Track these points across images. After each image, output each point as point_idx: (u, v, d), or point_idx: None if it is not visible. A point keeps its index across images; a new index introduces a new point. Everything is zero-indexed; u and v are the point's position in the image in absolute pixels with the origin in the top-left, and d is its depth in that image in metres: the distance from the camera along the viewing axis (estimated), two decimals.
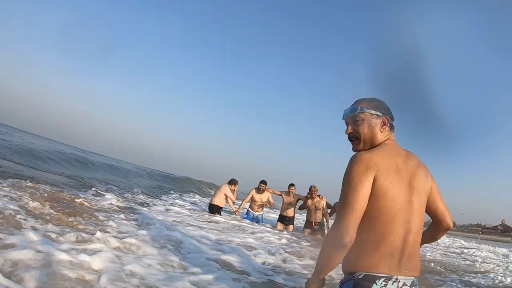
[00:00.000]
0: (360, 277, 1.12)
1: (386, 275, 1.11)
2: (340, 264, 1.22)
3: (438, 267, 4.94)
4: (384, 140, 1.27)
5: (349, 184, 1.12)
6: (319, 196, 6.71)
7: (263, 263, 2.97)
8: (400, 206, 1.14)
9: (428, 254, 6.93)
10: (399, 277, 1.12)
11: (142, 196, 7.65)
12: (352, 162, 1.15)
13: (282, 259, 3.22)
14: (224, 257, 2.83)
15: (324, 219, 6.69)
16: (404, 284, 1.12)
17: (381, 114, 1.28)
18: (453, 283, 3.61)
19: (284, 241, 4.70)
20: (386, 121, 1.28)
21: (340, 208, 1.13)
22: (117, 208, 4.54)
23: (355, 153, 1.22)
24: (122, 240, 2.63)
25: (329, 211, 6.78)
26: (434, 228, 1.37)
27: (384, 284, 1.10)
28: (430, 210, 1.30)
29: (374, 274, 1.11)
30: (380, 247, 1.12)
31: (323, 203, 6.65)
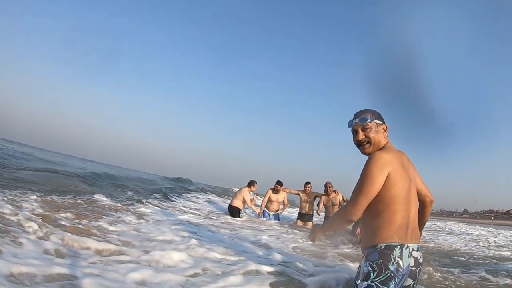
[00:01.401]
0: (382, 248, 1.44)
1: (400, 243, 1.44)
2: None
3: (465, 257, 4.83)
4: (386, 143, 1.61)
5: (368, 176, 1.45)
6: (334, 191, 6.75)
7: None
8: (405, 193, 1.50)
9: (454, 244, 6.75)
10: (408, 245, 1.46)
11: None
12: (372, 159, 1.48)
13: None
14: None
15: None
16: (413, 249, 1.47)
17: (382, 123, 1.63)
18: (481, 271, 3.54)
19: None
20: (386, 129, 1.64)
21: (355, 193, 1.46)
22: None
23: (373, 153, 1.53)
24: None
25: None
26: (423, 205, 1.77)
27: (400, 251, 1.43)
28: (417, 192, 1.68)
29: (392, 244, 1.44)
30: (394, 223, 1.46)
31: (339, 198, 6.69)
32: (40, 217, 3.14)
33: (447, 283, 2.78)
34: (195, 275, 2.29)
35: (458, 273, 3.35)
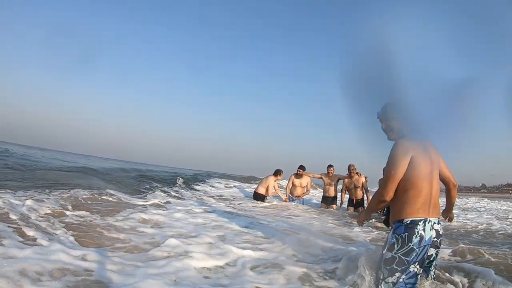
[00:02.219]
0: (408, 222, 1.67)
1: (423, 218, 1.67)
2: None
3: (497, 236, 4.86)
4: (409, 131, 1.81)
5: (393, 162, 1.69)
6: (357, 173, 6.83)
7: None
8: (427, 173, 1.71)
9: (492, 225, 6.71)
10: (430, 219, 1.68)
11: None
12: (396, 146, 1.72)
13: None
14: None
15: (365, 196, 6.82)
16: (434, 223, 1.69)
17: (399, 114, 1.85)
18: None
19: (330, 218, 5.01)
20: (400, 118, 1.85)
21: (385, 176, 1.71)
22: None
23: (397, 140, 1.78)
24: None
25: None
26: (448, 189, 1.98)
27: (423, 225, 1.66)
28: (441, 175, 1.88)
29: (416, 218, 1.66)
30: (418, 200, 1.67)
31: (362, 180, 6.77)
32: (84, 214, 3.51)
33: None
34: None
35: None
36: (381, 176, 6.12)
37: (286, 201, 7.27)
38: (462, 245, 2.86)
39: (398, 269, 1.64)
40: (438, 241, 1.72)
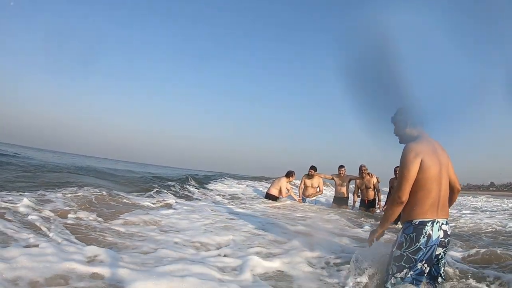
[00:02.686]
0: (416, 223, 1.77)
1: (431, 219, 1.76)
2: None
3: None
4: (419, 134, 1.92)
5: (405, 164, 1.78)
6: (369, 174, 6.83)
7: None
8: (436, 175, 1.79)
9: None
10: (438, 220, 1.77)
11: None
12: (406, 150, 1.82)
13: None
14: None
15: (377, 197, 6.82)
16: (442, 224, 1.78)
17: (405, 119, 1.97)
18: None
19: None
20: (409, 123, 1.97)
21: (399, 180, 1.81)
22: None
23: (406, 144, 1.87)
24: None
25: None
26: (451, 192, 1.99)
27: (431, 226, 1.75)
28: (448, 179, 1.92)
29: (425, 219, 1.76)
30: (426, 201, 1.76)
31: (373, 181, 6.77)
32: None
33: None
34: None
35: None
36: (392, 176, 6.10)
37: (299, 202, 7.30)
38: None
39: (406, 266, 1.75)
40: (446, 241, 1.82)
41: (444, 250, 1.85)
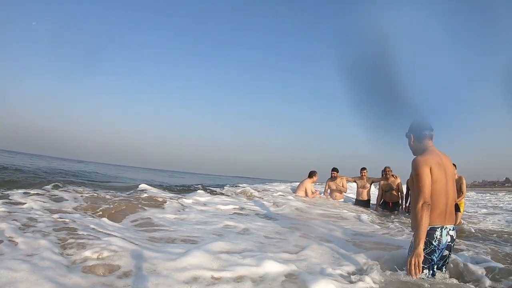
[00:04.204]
0: (428, 229, 1.95)
1: (440, 225, 2.00)
2: None
3: None
4: (428, 147, 2.14)
5: (420, 175, 1.97)
6: (393, 175, 6.77)
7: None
8: (443, 186, 2.02)
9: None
10: (446, 226, 2.02)
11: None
12: (417, 162, 2.01)
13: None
14: None
15: (400, 199, 6.72)
16: (449, 229, 2.03)
17: (413, 134, 2.22)
18: None
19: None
20: (413, 137, 2.22)
21: (417, 184, 1.98)
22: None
23: (415, 157, 2.08)
24: None
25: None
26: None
27: (440, 231, 1.99)
28: None
29: (434, 226, 1.99)
30: (436, 210, 1.99)
31: (397, 182, 6.70)
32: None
33: None
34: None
35: None
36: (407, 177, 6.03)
37: (327, 198, 7.39)
38: None
39: (425, 266, 2.01)
40: (452, 244, 2.09)
41: (450, 253, 2.11)
